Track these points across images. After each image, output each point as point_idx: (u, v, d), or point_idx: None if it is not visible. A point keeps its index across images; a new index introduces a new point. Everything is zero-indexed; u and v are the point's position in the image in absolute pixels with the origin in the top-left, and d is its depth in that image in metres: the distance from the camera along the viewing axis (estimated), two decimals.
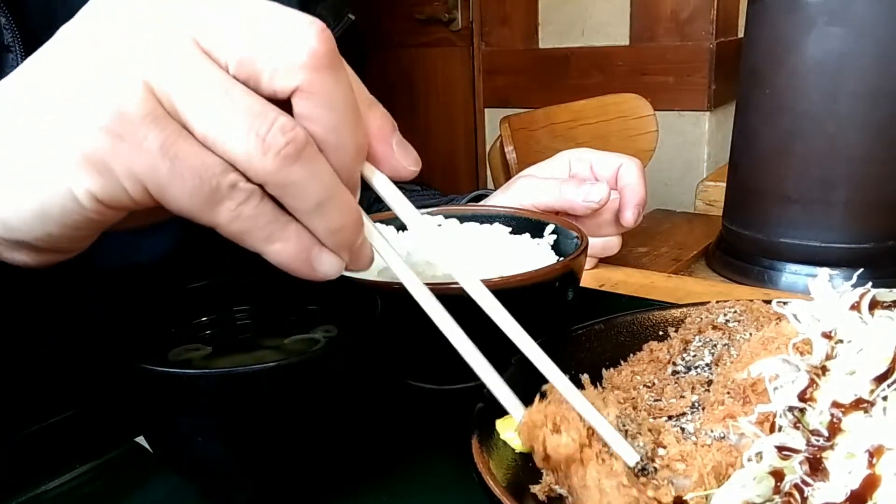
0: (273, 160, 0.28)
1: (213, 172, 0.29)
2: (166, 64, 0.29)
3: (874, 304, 0.38)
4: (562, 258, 0.55)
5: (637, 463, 0.34)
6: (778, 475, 0.33)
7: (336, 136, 0.30)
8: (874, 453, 0.31)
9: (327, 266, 0.32)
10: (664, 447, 0.37)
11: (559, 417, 0.34)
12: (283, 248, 0.31)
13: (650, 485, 0.34)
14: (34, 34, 0.55)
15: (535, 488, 0.36)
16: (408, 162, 0.34)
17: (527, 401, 0.36)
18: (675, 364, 0.47)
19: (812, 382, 0.35)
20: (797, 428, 0.34)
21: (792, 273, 0.74)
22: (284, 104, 0.30)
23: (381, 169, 0.33)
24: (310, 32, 0.29)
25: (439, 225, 0.64)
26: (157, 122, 0.29)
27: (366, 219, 0.33)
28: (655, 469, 0.36)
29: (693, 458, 0.35)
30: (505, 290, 0.46)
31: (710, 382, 0.44)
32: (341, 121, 0.30)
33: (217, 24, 0.29)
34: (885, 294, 0.39)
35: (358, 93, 0.32)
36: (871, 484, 0.30)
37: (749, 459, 0.34)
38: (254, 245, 0.31)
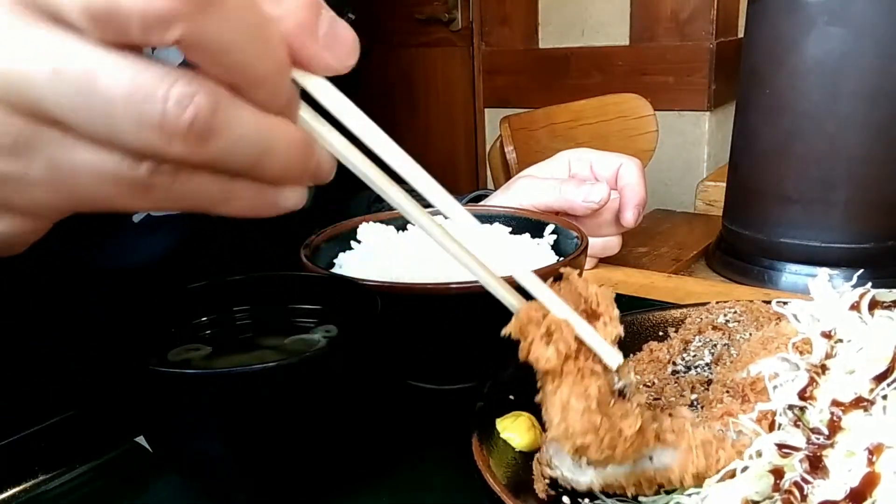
0: (182, 144, 0.24)
1: (117, 174, 0.25)
2: (14, 57, 0.23)
3: (874, 304, 0.38)
4: (562, 258, 0.55)
5: (618, 370, 0.34)
6: (778, 473, 0.33)
7: (244, 76, 0.25)
8: (874, 451, 0.31)
9: (292, 201, 0.29)
10: (656, 422, 0.36)
11: (554, 325, 0.32)
12: (240, 205, 0.28)
13: (619, 412, 0.33)
14: None
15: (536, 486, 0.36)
16: (340, 54, 0.27)
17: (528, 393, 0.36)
18: (674, 364, 0.47)
19: (812, 381, 0.35)
20: (797, 426, 0.34)
21: (792, 273, 0.74)
22: None
23: (312, 71, 0.27)
24: None
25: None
26: (30, 147, 0.24)
27: (309, 117, 0.28)
28: (628, 394, 0.35)
29: (684, 432, 0.35)
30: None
31: (709, 382, 0.44)
32: (244, 57, 0.24)
33: None
34: (885, 294, 0.39)
35: None
36: (870, 482, 0.30)
37: (749, 457, 0.34)
38: (209, 211, 0.28)
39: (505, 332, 0.33)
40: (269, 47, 0.25)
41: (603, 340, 0.33)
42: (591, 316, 0.34)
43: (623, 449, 0.33)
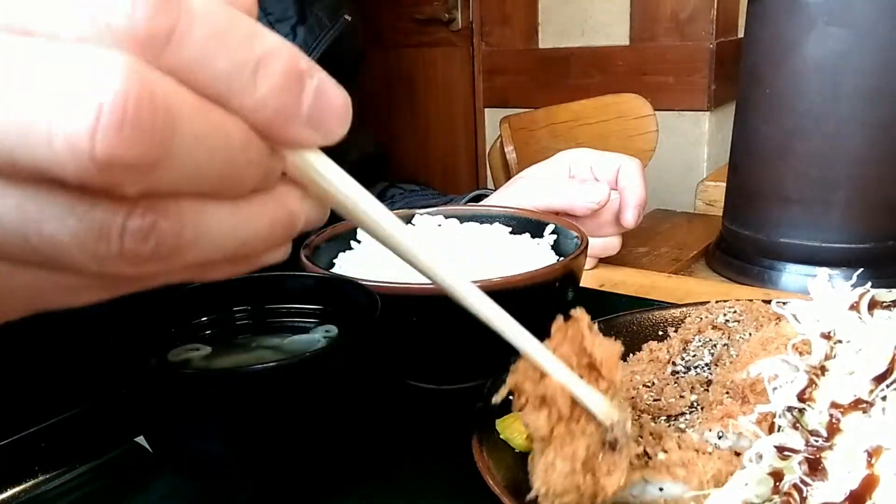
0: (149, 266, 0.21)
1: (75, 286, 0.22)
2: None
3: (873, 304, 0.38)
4: (562, 258, 0.55)
5: (611, 427, 0.33)
6: (777, 475, 0.33)
7: (212, 189, 0.22)
8: (873, 453, 0.31)
9: (275, 259, 0.26)
10: (665, 451, 0.37)
11: (549, 391, 0.32)
12: (217, 275, 0.25)
13: (606, 467, 0.33)
14: None
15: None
16: (328, 128, 0.23)
17: None
18: (674, 364, 0.47)
19: (811, 382, 0.35)
20: (796, 428, 0.34)
21: (792, 273, 0.74)
22: None
23: (297, 148, 0.24)
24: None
25: (439, 225, 0.64)
26: None
27: (298, 162, 0.24)
28: (619, 446, 0.34)
29: (694, 465, 0.35)
30: (505, 290, 0.46)
31: (709, 382, 0.44)
32: (209, 182, 0.21)
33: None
34: (885, 294, 0.39)
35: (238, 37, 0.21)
36: (869, 484, 0.30)
37: (749, 460, 0.34)
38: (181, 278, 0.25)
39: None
40: (234, 159, 0.21)
41: (599, 399, 0.33)
42: (591, 368, 0.33)
43: (602, 500, 0.33)
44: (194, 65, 0.20)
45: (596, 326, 0.34)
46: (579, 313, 0.34)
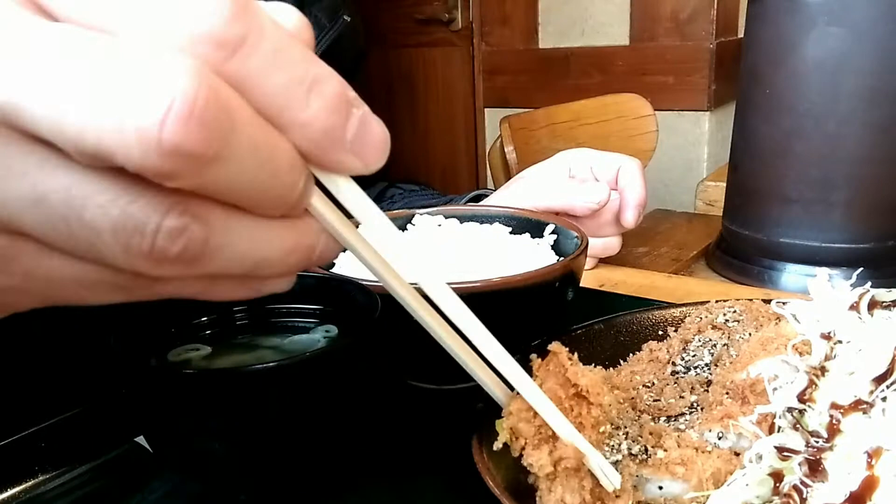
0: (170, 268, 0.22)
1: (96, 281, 0.23)
2: None
3: (873, 304, 0.38)
4: (562, 258, 0.55)
5: (609, 439, 0.35)
6: (777, 476, 0.33)
7: (248, 201, 0.23)
8: (873, 455, 0.31)
9: (278, 288, 0.27)
10: (665, 450, 0.37)
11: (549, 432, 0.33)
12: (219, 295, 0.26)
13: (613, 493, 0.34)
14: None
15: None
16: (369, 158, 0.24)
17: None
18: (674, 364, 0.47)
19: (811, 383, 0.35)
20: (796, 429, 0.34)
21: (792, 273, 0.74)
22: None
23: (336, 172, 0.25)
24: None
25: (439, 225, 0.64)
26: (3, 259, 0.23)
27: (321, 205, 0.25)
28: (620, 467, 0.36)
29: (693, 463, 0.35)
30: (505, 290, 0.46)
31: (709, 383, 0.44)
32: (249, 191, 0.22)
33: None
34: (885, 294, 0.39)
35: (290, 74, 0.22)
36: (870, 485, 0.30)
37: (749, 460, 0.34)
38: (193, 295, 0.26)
39: (500, 441, 0.34)
40: (278, 175, 0.23)
41: (604, 462, 0.33)
42: (579, 397, 0.34)
43: None
44: (257, 74, 0.21)
45: (575, 357, 0.35)
46: (556, 347, 0.35)
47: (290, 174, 0.23)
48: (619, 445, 0.37)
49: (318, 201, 0.25)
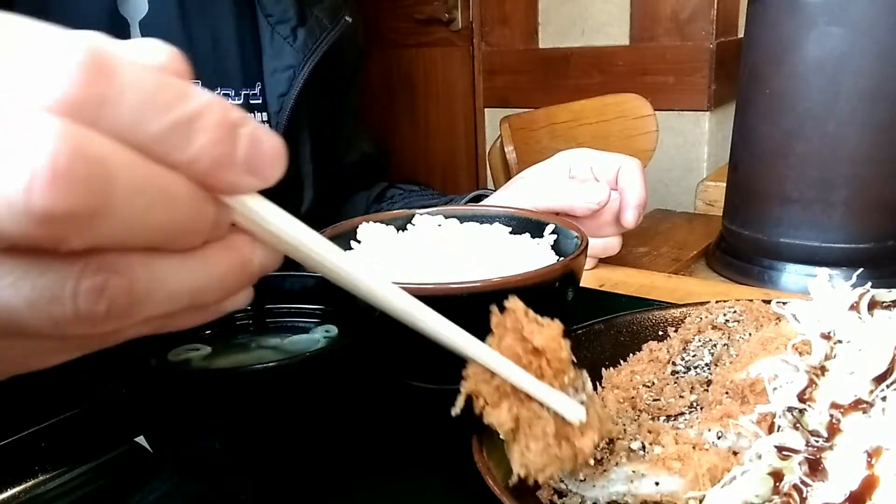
0: (104, 325, 0.21)
1: (32, 351, 0.23)
2: None
3: (873, 304, 0.38)
4: (562, 258, 0.55)
5: (574, 382, 0.34)
6: (777, 475, 0.33)
7: (157, 241, 0.22)
8: (873, 454, 0.31)
9: (237, 304, 0.27)
10: (662, 446, 0.37)
11: (503, 388, 0.33)
12: (181, 325, 0.26)
13: (578, 432, 0.34)
14: None
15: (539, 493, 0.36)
16: (264, 173, 0.24)
17: None
18: (674, 364, 0.47)
19: (811, 383, 0.35)
20: (796, 428, 0.34)
21: (792, 273, 0.74)
22: None
23: (237, 194, 0.24)
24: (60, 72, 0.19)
25: (439, 225, 0.64)
26: None
27: (243, 211, 0.25)
28: (586, 405, 0.35)
29: (689, 459, 0.35)
30: (505, 291, 0.46)
31: (709, 382, 0.44)
32: (151, 233, 0.22)
33: None
34: (885, 294, 0.39)
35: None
36: (869, 485, 0.30)
37: (749, 460, 0.34)
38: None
39: (459, 404, 0.34)
40: (178, 209, 0.22)
41: (560, 395, 0.33)
42: (537, 353, 0.34)
43: (589, 461, 0.34)
44: (130, 127, 0.21)
45: (531, 312, 0.34)
46: (513, 302, 0.35)
47: (193, 205, 0.23)
48: (584, 385, 0.36)
49: (241, 216, 0.25)
